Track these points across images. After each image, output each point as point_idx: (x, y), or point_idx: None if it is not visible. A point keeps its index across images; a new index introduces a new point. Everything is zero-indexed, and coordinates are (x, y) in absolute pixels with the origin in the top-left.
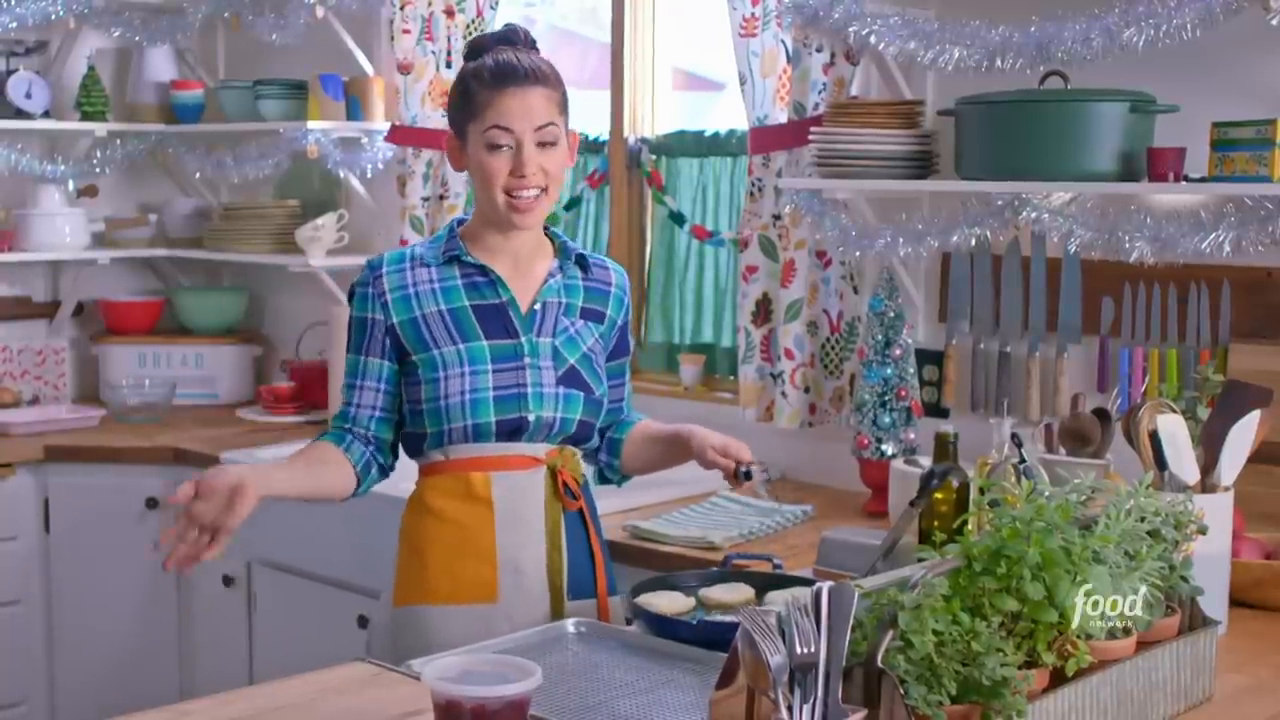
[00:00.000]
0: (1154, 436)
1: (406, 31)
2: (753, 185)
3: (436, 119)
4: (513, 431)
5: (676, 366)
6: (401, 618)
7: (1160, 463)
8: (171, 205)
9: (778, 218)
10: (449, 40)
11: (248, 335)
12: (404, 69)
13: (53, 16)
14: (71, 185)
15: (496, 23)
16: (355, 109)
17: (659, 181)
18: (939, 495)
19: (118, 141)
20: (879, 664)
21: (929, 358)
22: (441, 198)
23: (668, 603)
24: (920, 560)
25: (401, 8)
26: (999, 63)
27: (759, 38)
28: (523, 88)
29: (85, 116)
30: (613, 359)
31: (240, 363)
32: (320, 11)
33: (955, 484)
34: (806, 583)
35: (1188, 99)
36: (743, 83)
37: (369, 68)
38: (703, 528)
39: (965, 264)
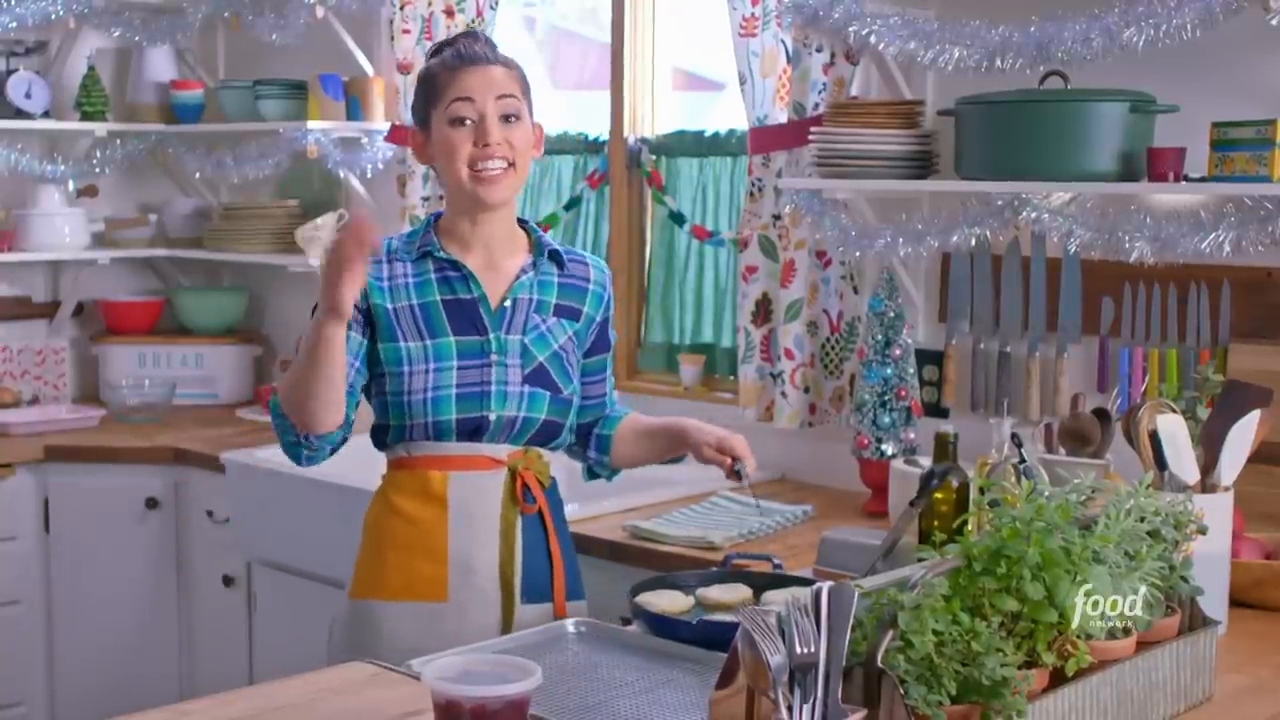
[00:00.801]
0: (1154, 436)
1: (406, 31)
2: (753, 185)
3: None
4: (474, 430)
5: (676, 366)
6: (356, 611)
7: (1160, 463)
8: (171, 205)
9: (778, 218)
10: None
11: (247, 335)
12: (404, 69)
13: (53, 16)
14: (71, 185)
15: (497, 23)
16: (355, 109)
17: (659, 181)
18: (939, 495)
19: (118, 141)
20: (879, 664)
21: (929, 358)
22: (441, 197)
23: (668, 602)
24: (920, 560)
25: (401, 8)
26: (999, 63)
27: (759, 38)
28: (482, 65)
29: (85, 116)
30: (593, 355)
31: (240, 363)
32: (320, 11)
33: (955, 484)
34: (806, 582)
35: (1188, 99)
36: (742, 83)
37: (369, 68)
38: (703, 528)
39: (965, 264)
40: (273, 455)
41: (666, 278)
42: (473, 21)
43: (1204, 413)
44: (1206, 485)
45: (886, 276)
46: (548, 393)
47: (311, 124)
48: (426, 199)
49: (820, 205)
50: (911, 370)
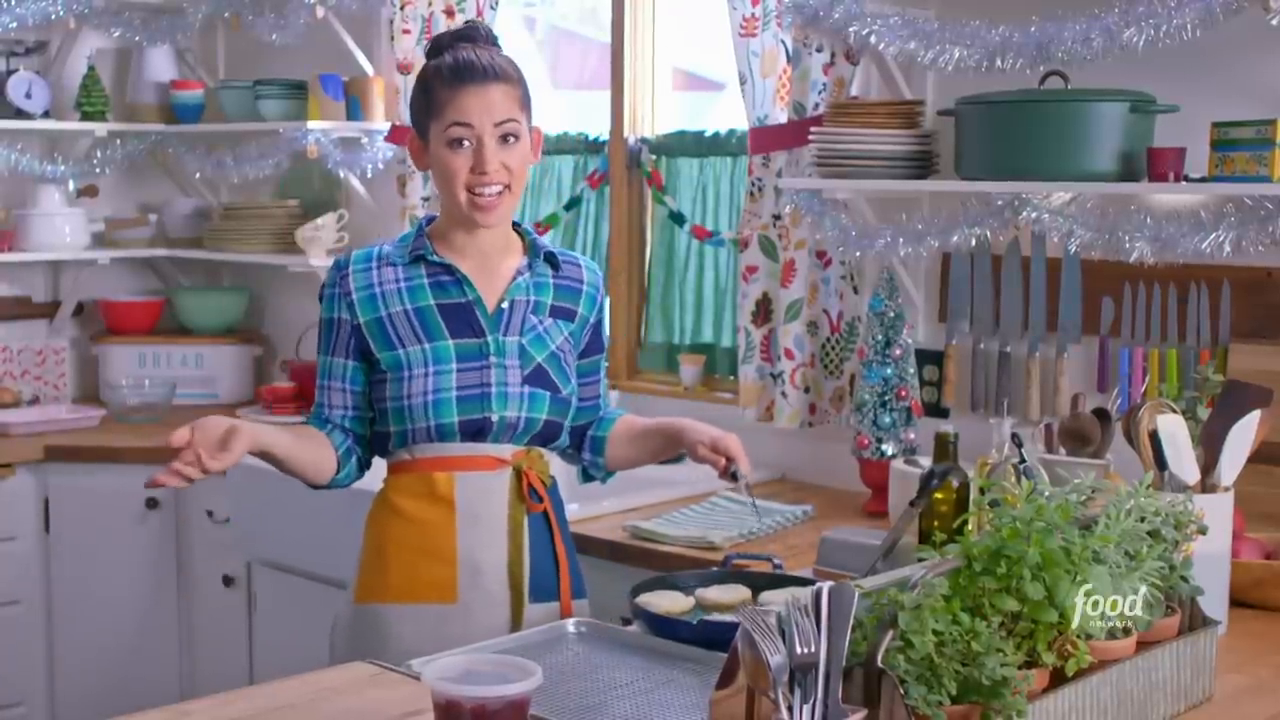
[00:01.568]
0: (1154, 436)
1: (406, 31)
2: (753, 185)
3: None
4: (477, 432)
5: (676, 366)
6: (361, 615)
7: (1160, 463)
8: (171, 205)
9: (778, 218)
10: None
11: (248, 335)
12: (404, 69)
13: (53, 16)
14: (72, 185)
15: (496, 23)
16: (355, 109)
17: (659, 181)
18: (939, 495)
19: (118, 141)
20: (879, 664)
21: (929, 358)
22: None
23: (668, 603)
24: (920, 560)
25: (401, 8)
26: (999, 63)
27: (759, 38)
28: (482, 85)
29: (85, 116)
30: (586, 356)
31: (240, 363)
32: (320, 11)
33: (955, 484)
34: (806, 583)
35: (1188, 99)
36: (743, 83)
37: (369, 68)
38: (703, 528)
39: (965, 264)
40: None
41: (666, 278)
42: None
43: (1204, 413)
44: (1207, 485)
45: (886, 276)
46: (548, 393)
47: (311, 124)
48: (426, 199)
49: (820, 205)
50: (911, 370)
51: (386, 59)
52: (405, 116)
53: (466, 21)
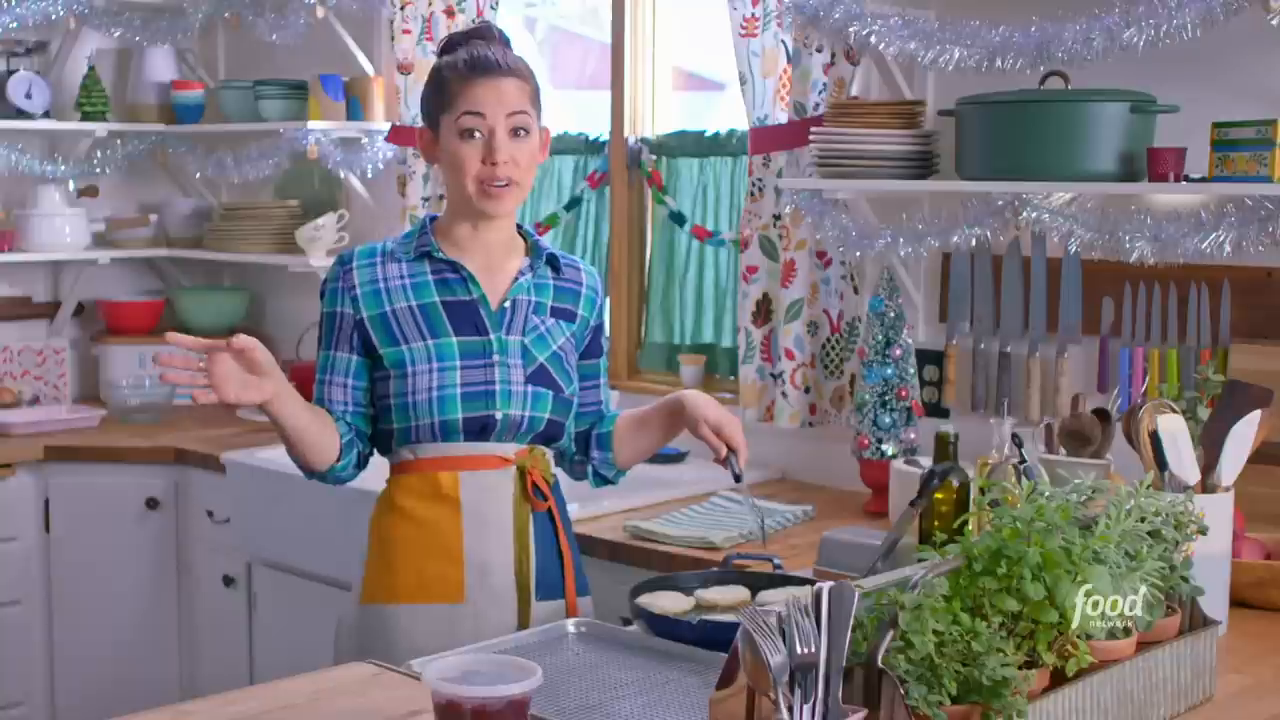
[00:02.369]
0: (1154, 436)
1: (407, 32)
2: (753, 185)
3: None
4: (481, 430)
5: (676, 367)
6: (367, 615)
7: (1161, 463)
8: (172, 205)
9: (778, 218)
10: None
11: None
12: (404, 69)
13: (53, 17)
14: (72, 185)
15: (497, 23)
16: (355, 109)
17: (659, 181)
18: (939, 495)
19: (118, 142)
20: (879, 664)
21: (929, 358)
22: (442, 198)
23: (668, 603)
24: (920, 560)
25: (402, 8)
26: (999, 63)
27: (759, 38)
28: (495, 77)
29: (86, 117)
30: (587, 359)
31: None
32: (320, 11)
33: (955, 484)
34: (807, 583)
35: (1188, 99)
36: (743, 83)
37: (369, 68)
38: (703, 528)
39: (965, 264)
40: (273, 455)
41: (667, 278)
42: (473, 21)
43: (1204, 413)
44: (1207, 485)
45: (887, 277)
46: (550, 392)
47: (312, 124)
48: (427, 199)
49: (821, 205)
50: (912, 370)
51: (387, 59)
52: (406, 116)
53: (479, 22)
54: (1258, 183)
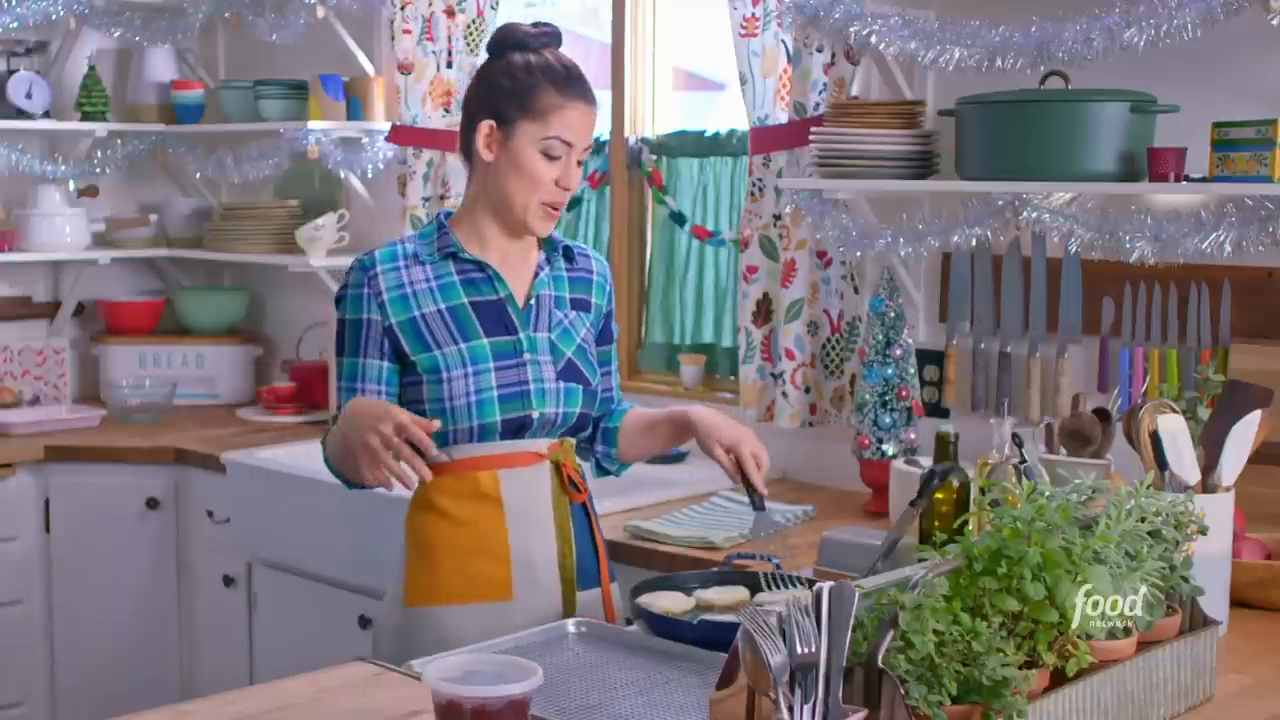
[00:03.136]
0: (1155, 436)
1: (407, 31)
2: (753, 185)
3: (437, 119)
4: (517, 429)
5: (677, 366)
6: (414, 619)
7: (1161, 463)
8: (172, 205)
9: (778, 218)
10: (449, 40)
11: (248, 335)
12: (404, 69)
13: (53, 16)
14: (72, 185)
15: (497, 23)
16: (356, 109)
17: (659, 181)
18: (939, 495)
19: (118, 142)
20: (879, 664)
21: (929, 358)
22: (442, 198)
23: (669, 603)
24: (921, 560)
25: (402, 8)
26: (999, 63)
27: (759, 38)
28: (589, 105)
29: (86, 117)
30: (599, 345)
31: (240, 363)
32: (321, 11)
33: (956, 484)
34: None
35: (1188, 99)
36: (743, 83)
37: (369, 68)
38: (704, 528)
39: (966, 264)
40: (273, 455)
41: (667, 278)
42: (473, 21)
43: (1205, 413)
44: (1207, 485)
45: (887, 276)
46: (580, 386)
47: (312, 124)
48: (427, 199)
49: (821, 205)
50: (912, 370)
51: (387, 59)
52: (406, 116)
53: (545, 24)
54: (1258, 183)
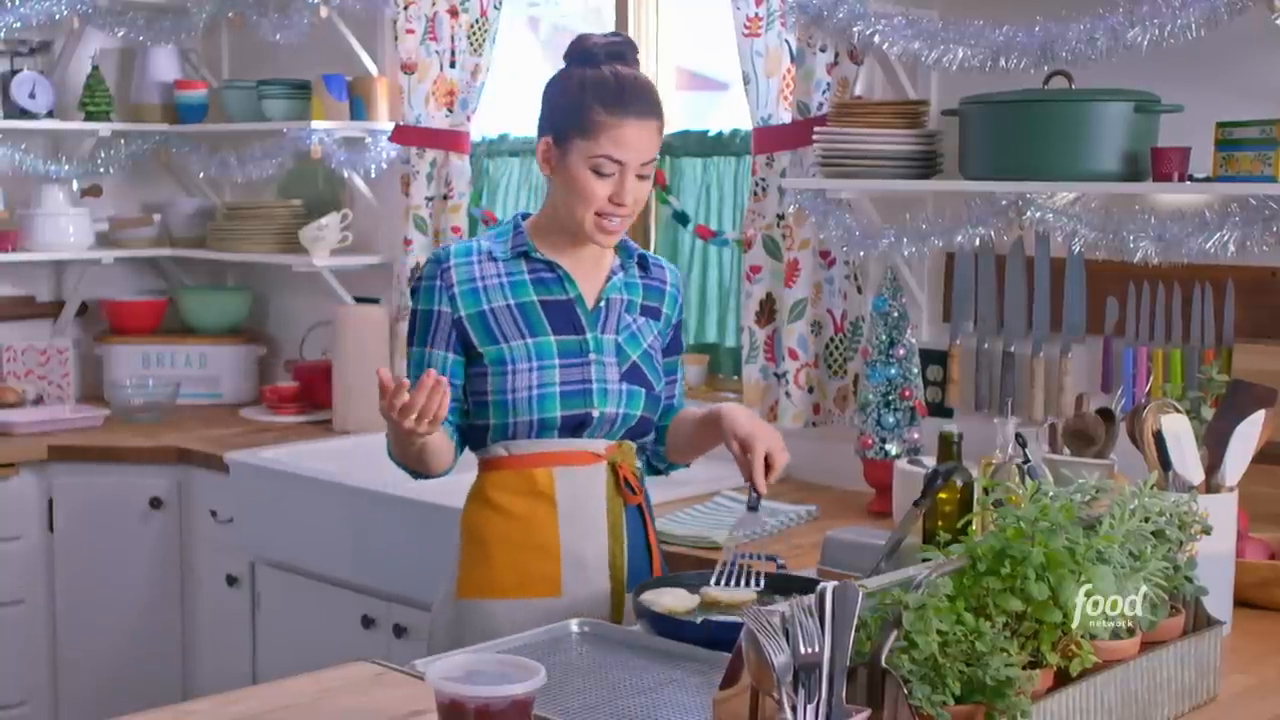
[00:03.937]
0: (1158, 436)
1: (410, 31)
2: (756, 185)
3: (440, 119)
4: (577, 427)
5: None
6: (465, 610)
7: (1165, 463)
8: (175, 205)
9: (781, 217)
10: (453, 40)
11: (251, 335)
12: (408, 69)
13: (57, 16)
14: (75, 185)
15: (501, 23)
16: (359, 109)
17: (663, 181)
18: (943, 495)
19: (121, 141)
20: (883, 664)
21: (933, 357)
22: (445, 198)
23: (672, 601)
24: (924, 560)
25: (405, 7)
26: (1003, 62)
27: (763, 37)
28: (643, 120)
29: (89, 116)
30: (667, 355)
31: (244, 363)
32: (324, 11)
33: (959, 484)
34: (810, 583)
35: (1192, 99)
36: (746, 83)
37: (373, 68)
38: (706, 527)
39: (969, 264)
40: (276, 455)
41: None
42: (477, 21)
43: (1208, 413)
44: (1211, 485)
45: (890, 276)
46: (643, 390)
47: (315, 124)
48: (430, 199)
49: (824, 205)
50: (915, 370)
51: (390, 59)
52: (409, 116)
53: (618, 35)
54: (1262, 182)
